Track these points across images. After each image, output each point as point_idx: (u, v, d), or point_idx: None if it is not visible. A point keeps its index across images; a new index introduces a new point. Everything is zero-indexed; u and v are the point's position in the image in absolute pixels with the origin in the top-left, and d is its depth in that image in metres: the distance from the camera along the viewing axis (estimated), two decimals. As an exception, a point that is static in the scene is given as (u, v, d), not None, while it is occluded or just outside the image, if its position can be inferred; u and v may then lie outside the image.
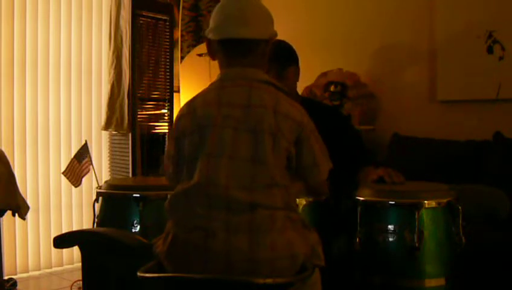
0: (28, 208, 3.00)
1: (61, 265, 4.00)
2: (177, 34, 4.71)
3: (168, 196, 2.15)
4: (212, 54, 1.74)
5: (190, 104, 1.70)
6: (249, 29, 1.65)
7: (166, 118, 4.49)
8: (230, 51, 1.68)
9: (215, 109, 1.61)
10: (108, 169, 4.34)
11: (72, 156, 3.17)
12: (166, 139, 4.45)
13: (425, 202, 2.08)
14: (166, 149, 1.81)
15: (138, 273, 1.56)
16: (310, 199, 2.13)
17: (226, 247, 1.50)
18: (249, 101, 1.60)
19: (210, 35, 1.70)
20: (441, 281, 2.09)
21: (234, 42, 1.66)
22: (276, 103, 1.60)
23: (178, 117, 1.72)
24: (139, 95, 4.28)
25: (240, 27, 1.65)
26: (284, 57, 2.36)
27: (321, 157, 1.67)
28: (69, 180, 3.12)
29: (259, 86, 1.64)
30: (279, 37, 1.86)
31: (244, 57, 1.67)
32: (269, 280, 1.47)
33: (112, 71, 4.11)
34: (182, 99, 4.63)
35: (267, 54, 1.73)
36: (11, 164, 2.99)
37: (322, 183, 1.73)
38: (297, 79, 2.48)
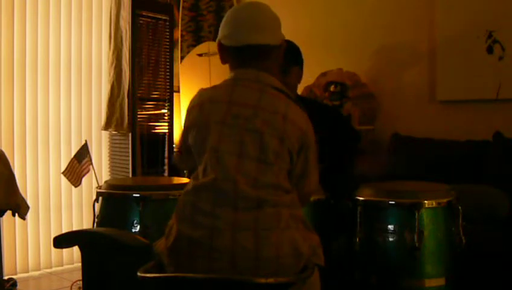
0: (28, 208, 2.99)
1: (61, 265, 4.00)
2: (177, 34, 4.71)
3: (170, 197, 2.17)
4: (224, 58, 1.76)
5: (201, 96, 1.72)
6: (263, 35, 1.68)
7: (166, 118, 4.49)
8: (245, 57, 1.70)
9: (225, 107, 1.63)
10: (108, 169, 4.34)
11: (72, 156, 3.18)
12: (167, 139, 4.45)
13: (425, 202, 2.08)
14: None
15: (138, 274, 1.56)
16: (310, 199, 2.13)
17: (232, 245, 1.51)
18: (259, 104, 1.62)
19: (223, 42, 1.71)
20: (441, 281, 2.10)
21: (249, 48, 1.68)
22: (286, 110, 1.63)
23: (189, 109, 1.74)
24: (139, 95, 4.28)
25: (254, 33, 1.67)
26: (289, 57, 2.40)
27: (314, 169, 1.72)
28: (69, 180, 3.12)
29: (271, 92, 1.66)
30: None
31: (258, 62, 1.69)
32: (271, 280, 1.47)
33: (112, 71, 4.11)
34: (182, 99, 4.63)
35: (280, 59, 1.77)
36: (11, 164, 2.99)
37: (309, 195, 1.80)
38: (299, 80, 2.55)
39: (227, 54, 1.73)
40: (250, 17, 1.69)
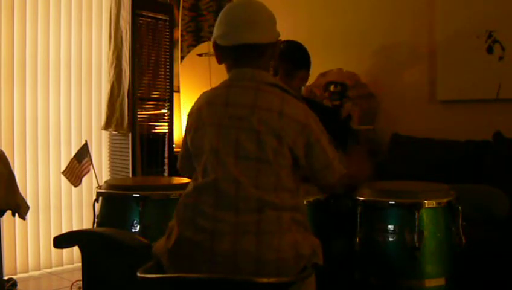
0: (28, 208, 2.99)
1: (61, 265, 3.99)
2: (177, 34, 4.71)
3: (170, 197, 2.16)
4: (219, 58, 1.76)
5: (198, 101, 1.74)
6: (258, 34, 1.68)
7: (166, 118, 4.49)
8: (240, 56, 1.70)
9: (222, 108, 1.64)
10: (108, 169, 4.34)
11: (72, 156, 3.18)
12: (166, 139, 4.44)
13: (425, 202, 2.08)
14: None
15: (138, 274, 1.56)
16: (310, 199, 2.13)
17: (234, 249, 1.51)
18: (255, 103, 1.62)
19: (219, 41, 1.71)
20: (441, 281, 2.10)
21: (245, 48, 1.68)
22: (281, 105, 1.62)
23: (188, 114, 1.77)
24: (139, 95, 4.28)
25: (249, 33, 1.67)
26: (298, 59, 2.48)
27: (333, 157, 1.69)
28: (69, 180, 3.12)
29: (265, 88, 1.66)
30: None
31: (253, 60, 1.69)
32: (273, 279, 1.47)
33: (112, 71, 4.10)
34: (182, 99, 4.63)
35: (275, 56, 1.77)
36: (11, 164, 2.98)
37: (336, 183, 1.75)
38: (303, 83, 2.58)
39: (223, 53, 1.73)
40: (245, 16, 1.69)
